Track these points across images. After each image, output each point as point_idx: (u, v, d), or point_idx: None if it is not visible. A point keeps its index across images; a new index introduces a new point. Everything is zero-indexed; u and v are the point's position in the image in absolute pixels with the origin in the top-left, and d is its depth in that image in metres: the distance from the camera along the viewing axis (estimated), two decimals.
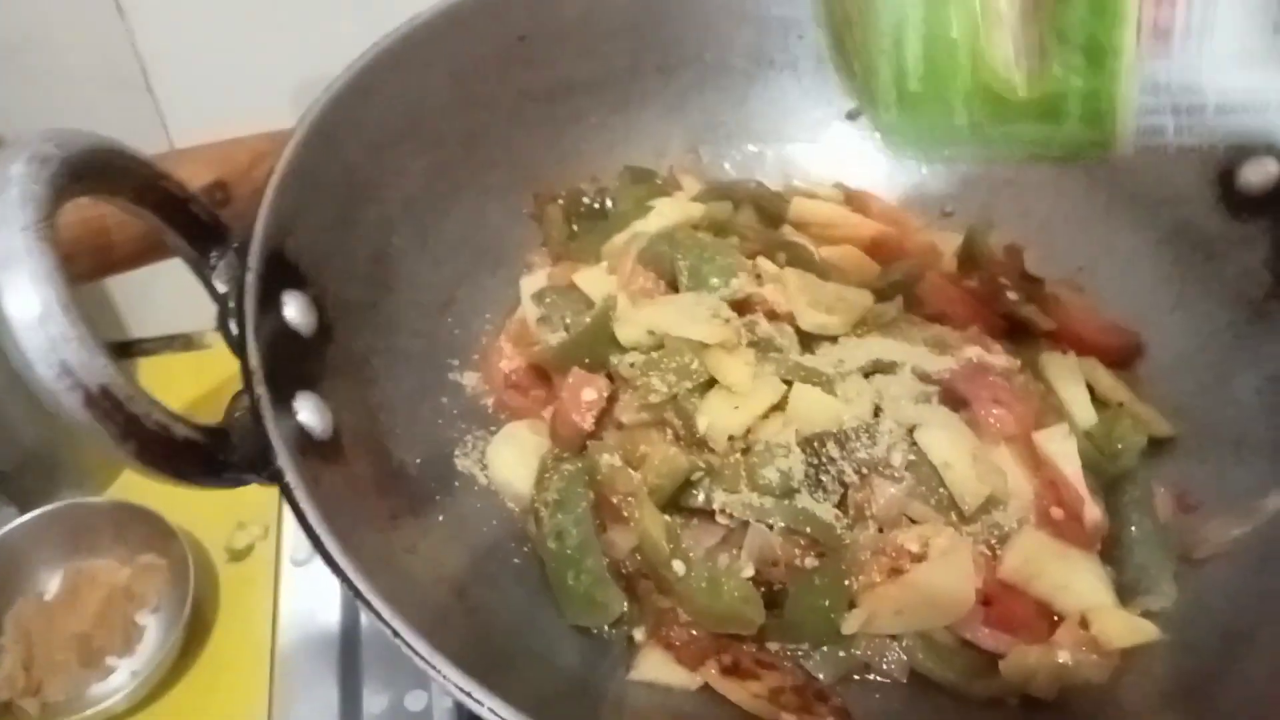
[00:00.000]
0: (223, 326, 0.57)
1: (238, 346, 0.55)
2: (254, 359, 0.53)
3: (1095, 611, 0.61)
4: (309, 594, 0.75)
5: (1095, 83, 0.53)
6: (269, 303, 0.57)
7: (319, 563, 0.77)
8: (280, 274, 0.59)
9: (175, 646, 0.99)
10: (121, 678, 1.00)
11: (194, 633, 1.04)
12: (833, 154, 0.89)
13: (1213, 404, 0.73)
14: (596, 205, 0.82)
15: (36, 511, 1.01)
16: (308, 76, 0.96)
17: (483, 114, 0.77)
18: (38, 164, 0.45)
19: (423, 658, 0.45)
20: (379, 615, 0.47)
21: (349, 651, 0.73)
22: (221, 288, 0.58)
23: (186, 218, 0.56)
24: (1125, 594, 0.64)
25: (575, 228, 0.81)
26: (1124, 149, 0.54)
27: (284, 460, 0.49)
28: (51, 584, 1.03)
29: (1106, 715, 0.59)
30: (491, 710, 0.44)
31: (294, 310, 0.59)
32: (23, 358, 0.42)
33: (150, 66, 0.95)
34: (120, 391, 0.44)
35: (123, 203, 0.53)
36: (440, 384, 0.70)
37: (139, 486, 1.13)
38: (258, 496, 1.09)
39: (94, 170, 0.49)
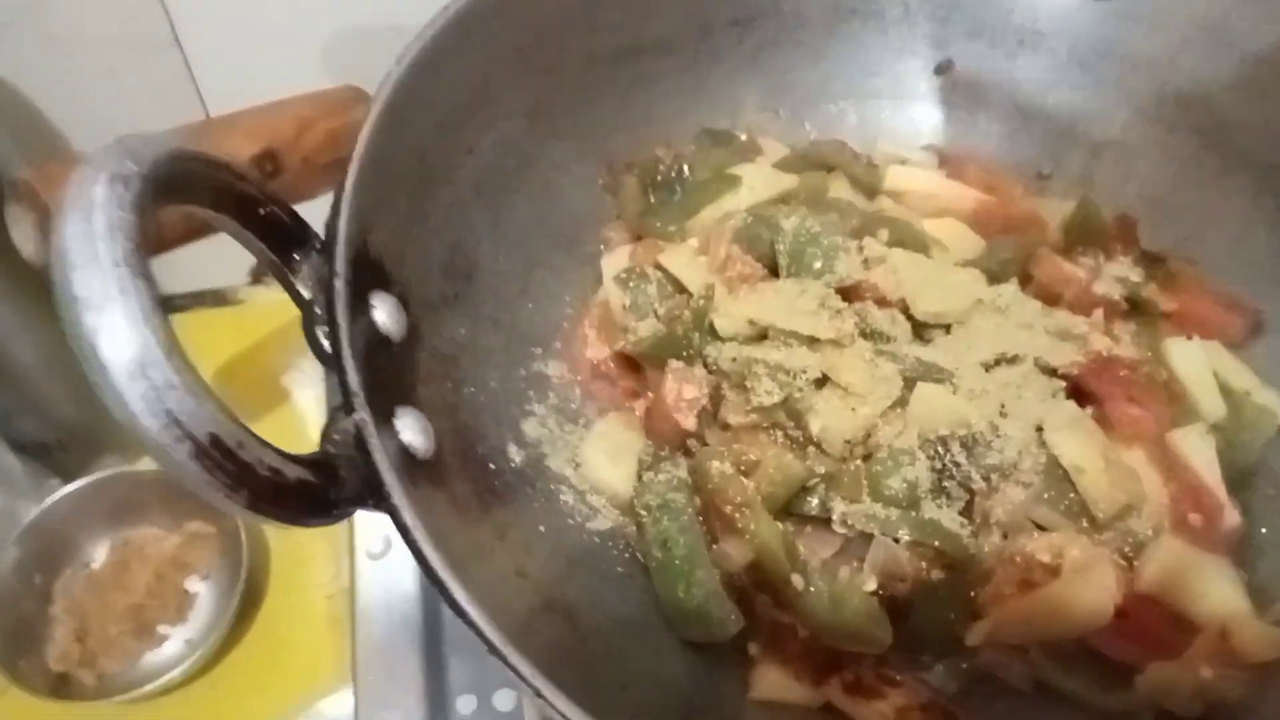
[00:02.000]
0: (309, 335, 0.53)
1: (332, 362, 0.50)
2: (353, 377, 0.48)
3: (1234, 623, 0.58)
4: (387, 589, 0.72)
5: None
6: (359, 308, 0.52)
7: (395, 555, 0.75)
8: (366, 274, 0.54)
9: (232, 614, 0.98)
10: (175, 646, 0.99)
11: (247, 599, 1.02)
12: (921, 111, 0.83)
13: None
14: (674, 173, 0.77)
15: (80, 482, 0.99)
16: (339, 29, 0.90)
17: (548, 83, 0.71)
18: (120, 185, 0.40)
19: (548, 700, 0.42)
20: (503, 658, 0.44)
21: (432, 651, 0.70)
22: (307, 293, 0.53)
23: (267, 220, 0.51)
24: (1259, 599, 0.61)
25: (652, 198, 0.76)
26: None
27: (398, 495, 0.45)
28: (99, 554, 1.02)
29: None
30: None
31: (384, 314, 0.54)
32: (125, 408, 0.37)
33: (179, 23, 0.89)
34: (231, 439, 0.39)
35: (203, 210, 0.48)
36: (526, 378, 0.66)
37: None
38: None
39: (175, 182, 0.44)
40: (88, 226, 0.38)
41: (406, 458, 0.49)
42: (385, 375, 0.52)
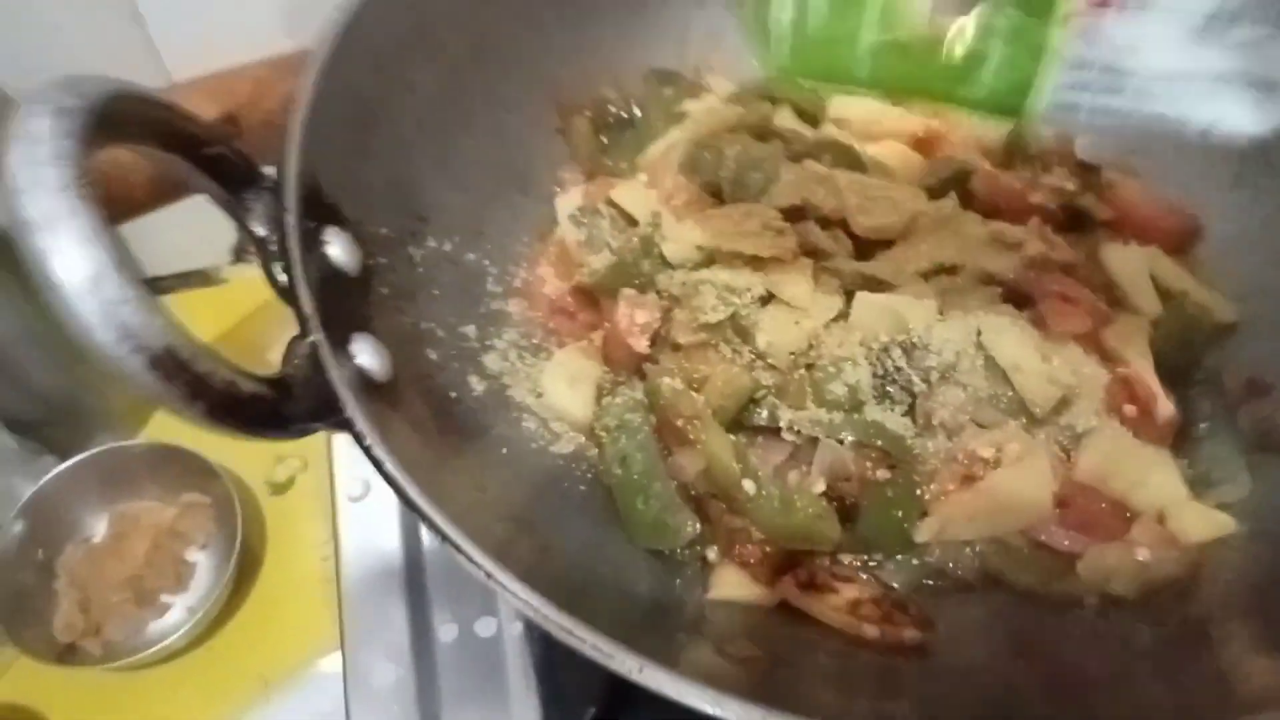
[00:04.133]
0: (267, 271, 0.55)
1: (287, 292, 0.53)
2: (307, 303, 0.51)
3: (1171, 507, 0.61)
4: (368, 528, 0.75)
5: (1018, 52, 0.49)
6: (312, 242, 0.55)
7: (374, 498, 0.78)
8: (319, 211, 0.56)
9: (229, 581, 1.00)
10: (178, 614, 1.02)
11: (244, 566, 1.05)
12: None
13: (1276, 281, 0.70)
14: (624, 114, 0.79)
15: (76, 458, 1.01)
16: None
17: (490, 16, 0.72)
18: (64, 118, 0.42)
19: (518, 596, 0.44)
20: (469, 558, 0.46)
21: (414, 582, 0.72)
22: (261, 231, 0.55)
23: (215, 160, 0.53)
24: (1198, 487, 0.63)
25: (605, 140, 0.78)
26: (1030, 119, 0.49)
27: (352, 407, 0.48)
28: (98, 529, 1.04)
29: (1186, 610, 0.58)
30: (576, 635, 0.43)
31: (338, 249, 0.56)
32: (79, 324, 0.40)
33: None
34: (184, 351, 0.42)
35: (150, 149, 0.50)
36: (485, 315, 0.68)
37: (173, 428, 1.13)
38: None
39: (119, 118, 0.46)
40: (32, 154, 0.40)
41: (363, 379, 0.52)
42: (341, 306, 0.54)
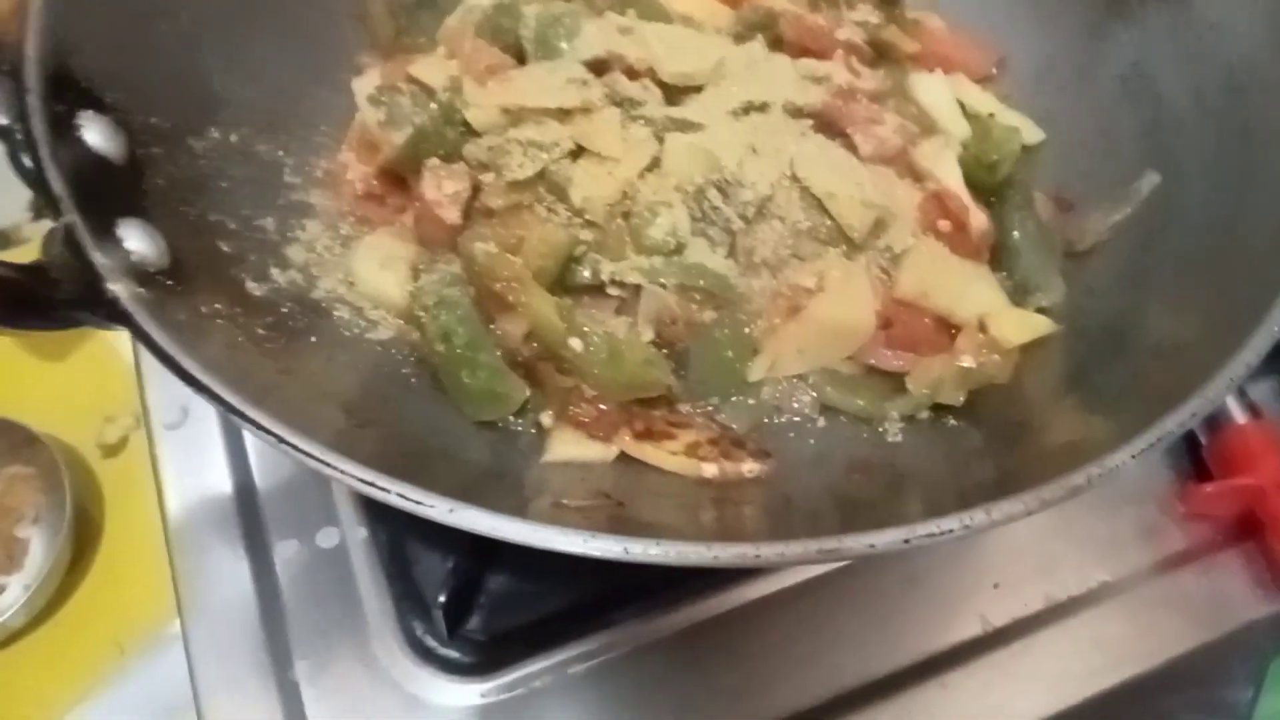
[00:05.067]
0: (14, 162, 0.50)
1: (35, 177, 0.48)
2: (57, 184, 0.46)
3: (992, 314, 0.62)
4: (190, 456, 0.70)
5: None
6: (63, 128, 0.50)
7: (193, 422, 0.73)
8: (69, 95, 0.51)
9: (65, 553, 0.95)
10: (14, 593, 0.96)
11: (83, 535, 0.99)
12: None
13: (1078, 102, 0.73)
14: None
15: None
16: None
17: None
18: None
19: (335, 467, 0.42)
20: (273, 434, 0.43)
21: (246, 507, 0.68)
22: (3, 119, 0.50)
23: None
24: (1017, 296, 0.65)
25: (402, 20, 0.74)
26: None
27: (117, 286, 0.44)
28: None
29: (1012, 410, 0.60)
30: (410, 499, 0.41)
31: (96, 134, 0.51)
32: None
33: None
34: None
35: None
36: (285, 207, 0.64)
37: None
38: (122, 386, 1.05)
39: None
40: None
41: (132, 264, 0.48)
42: (105, 192, 0.50)
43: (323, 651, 0.63)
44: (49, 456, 0.98)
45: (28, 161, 0.49)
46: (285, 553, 0.66)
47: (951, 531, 0.41)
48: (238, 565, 0.66)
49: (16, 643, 0.95)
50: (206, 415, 0.71)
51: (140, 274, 0.48)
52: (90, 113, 0.52)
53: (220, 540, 0.67)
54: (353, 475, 0.41)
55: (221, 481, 0.70)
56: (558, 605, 0.66)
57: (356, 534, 0.67)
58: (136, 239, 0.49)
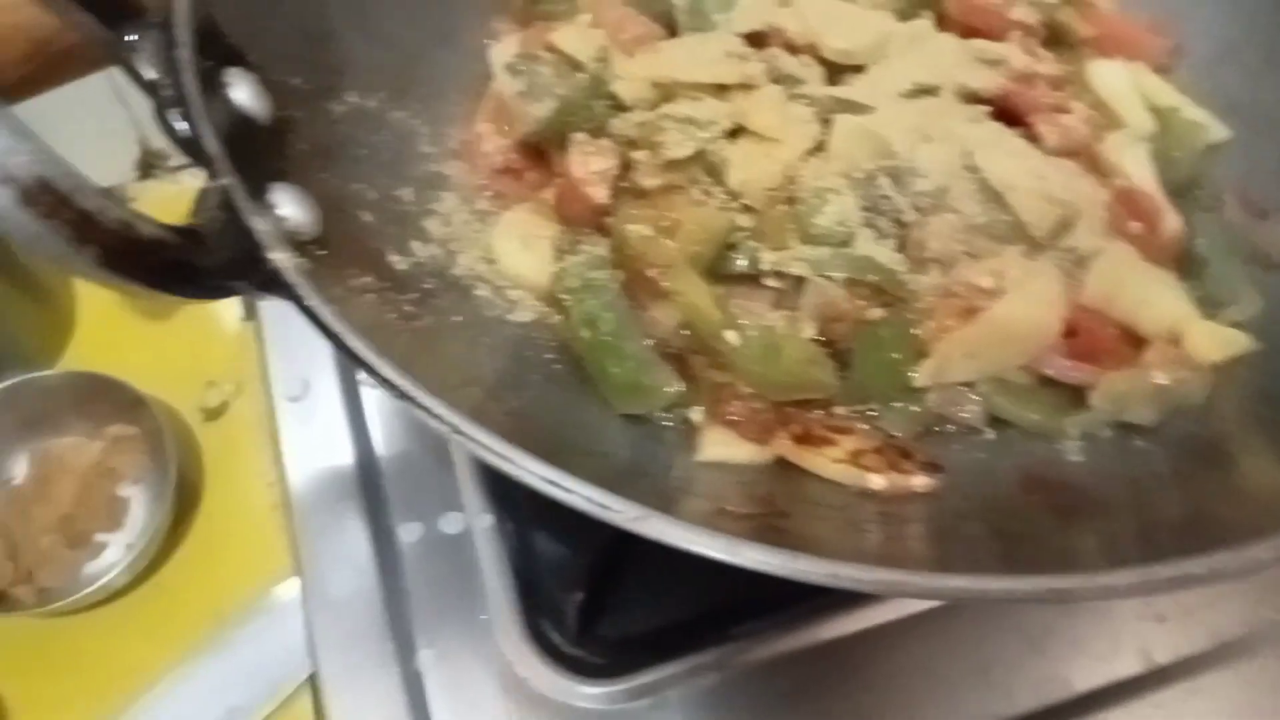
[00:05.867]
0: (162, 120, 0.47)
1: (188, 139, 0.45)
2: (212, 143, 0.43)
3: (1184, 327, 0.56)
4: (312, 429, 0.68)
5: None
6: (213, 84, 0.47)
7: (315, 396, 0.71)
8: (216, 50, 0.48)
9: (168, 515, 0.94)
10: (115, 553, 0.96)
11: (184, 497, 0.99)
12: None
13: (1265, 93, 0.66)
14: None
15: None
16: None
17: None
18: None
19: (490, 449, 0.38)
20: (430, 411, 0.40)
21: (369, 486, 0.66)
22: (151, 73, 0.47)
23: None
24: (1206, 308, 0.59)
25: None
26: None
27: (277, 254, 0.41)
28: (17, 469, 0.97)
29: (1204, 434, 0.55)
30: (563, 486, 0.38)
31: (243, 92, 0.49)
32: None
33: None
34: (64, 183, 0.35)
35: None
36: (422, 178, 0.61)
37: (92, 357, 1.05)
38: (225, 352, 1.04)
39: None
40: None
41: (286, 231, 0.45)
42: (254, 154, 0.47)
43: (446, 642, 0.61)
44: (153, 418, 0.97)
45: (176, 121, 0.46)
46: (409, 536, 0.64)
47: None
48: (361, 547, 0.64)
49: (114, 602, 0.95)
50: (328, 389, 0.69)
51: (294, 242, 0.45)
52: (238, 70, 0.49)
53: (342, 519, 0.65)
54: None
55: (344, 457, 0.68)
56: (685, 611, 0.63)
57: (481, 521, 0.64)
58: (290, 204, 0.46)
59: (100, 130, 1.07)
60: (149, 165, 1.11)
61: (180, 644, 0.94)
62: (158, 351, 1.08)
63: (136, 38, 0.47)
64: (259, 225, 0.42)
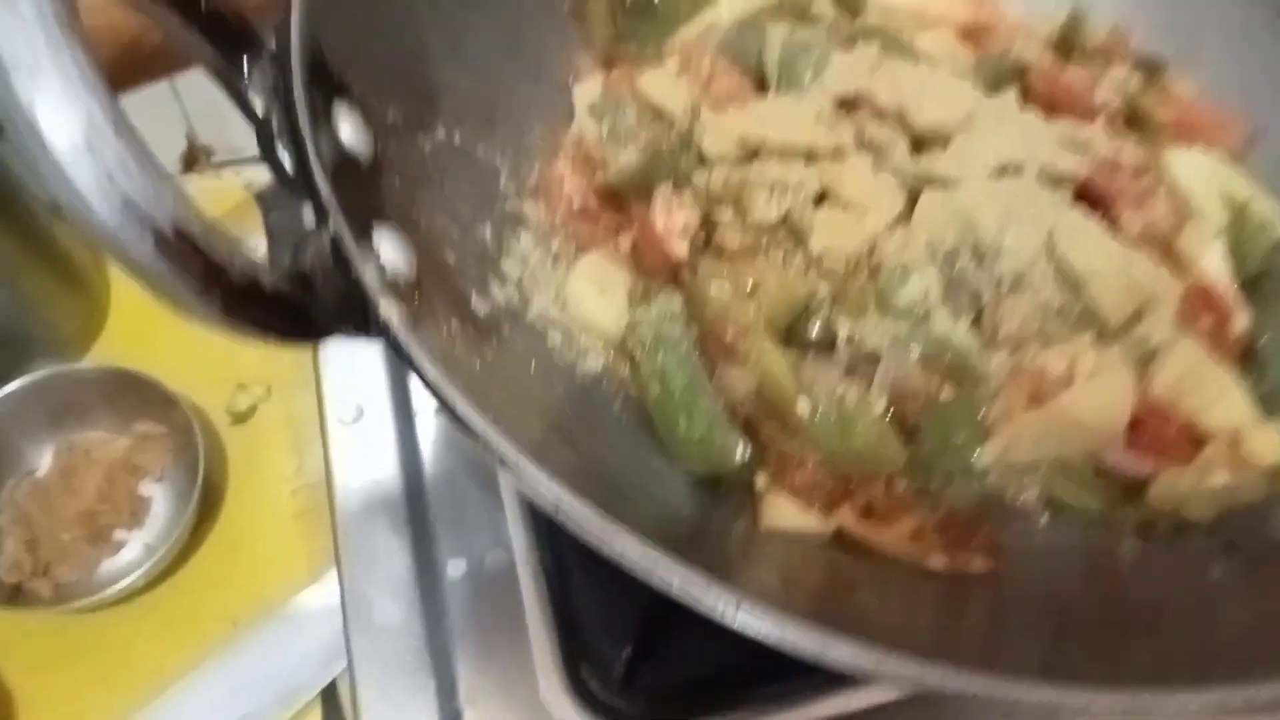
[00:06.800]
0: (268, 153, 0.47)
1: (295, 174, 0.45)
2: (323, 185, 0.43)
3: (1245, 428, 0.57)
4: (362, 455, 0.68)
5: None
6: (321, 119, 0.47)
7: (368, 421, 0.71)
8: (324, 83, 0.48)
9: (191, 515, 0.94)
10: (134, 552, 0.95)
11: (206, 500, 0.98)
12: None
13: None
14: None
15: (16, 384, 0.93)
16: None
17: None
18: None
19: (571, 513, 0.38)
20: (529, 477, 0.40)
21: (417, 514, 0.66)
22: (261, 106, 0.47)
23: (212, 20, 0.46)
24: (1266, 406, 0.59)
25: (621, 23, 0.70)
26: None
27: (388, 306, 0.41)
28: (42, 461, 0.97)
29: (1261, 537, 0.55)
30: (661, 572, 0.38)
31: (348, 129, 0.49)
32: (74, 194, 0.32)
33: None
34: (196, 231, 0.35)
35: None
36: (501, 215, 0.61)
37: (123, 348, 1.04)
38: (254, 356, 1.03)
39: None
40: None
41: (388, 278, 0.45)
42: (356, 197, 0.47)
43: (488, 683, 0.61)
44: (183, 417, 0.97)
45: (286, 158, 0.46)
46: (454, 571, 0.64)
47: None
48: (406, 577, 0.64)
49: (130, 601, 0.95)
50: (382, 415, 0.69)
51: (394, 287, 0.45)
52: (344, 104, 0.49)
53: (387, 547, 0.65)
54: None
55: (393, 485, 0.67)
56: (727, 662, 0.63)
57: (527, 561, 0.64)
58: (389, 248, 0.46)
59: (148, 123, 1.06)
60: (193, 160, 1.11)
61: (194, 648, 0.93)
62: (189, 349, 1.07)
63: (249, 66, 0.48)
64: (366, 273, 0.42)
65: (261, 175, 1.12)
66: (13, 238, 0.94)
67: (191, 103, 1.08)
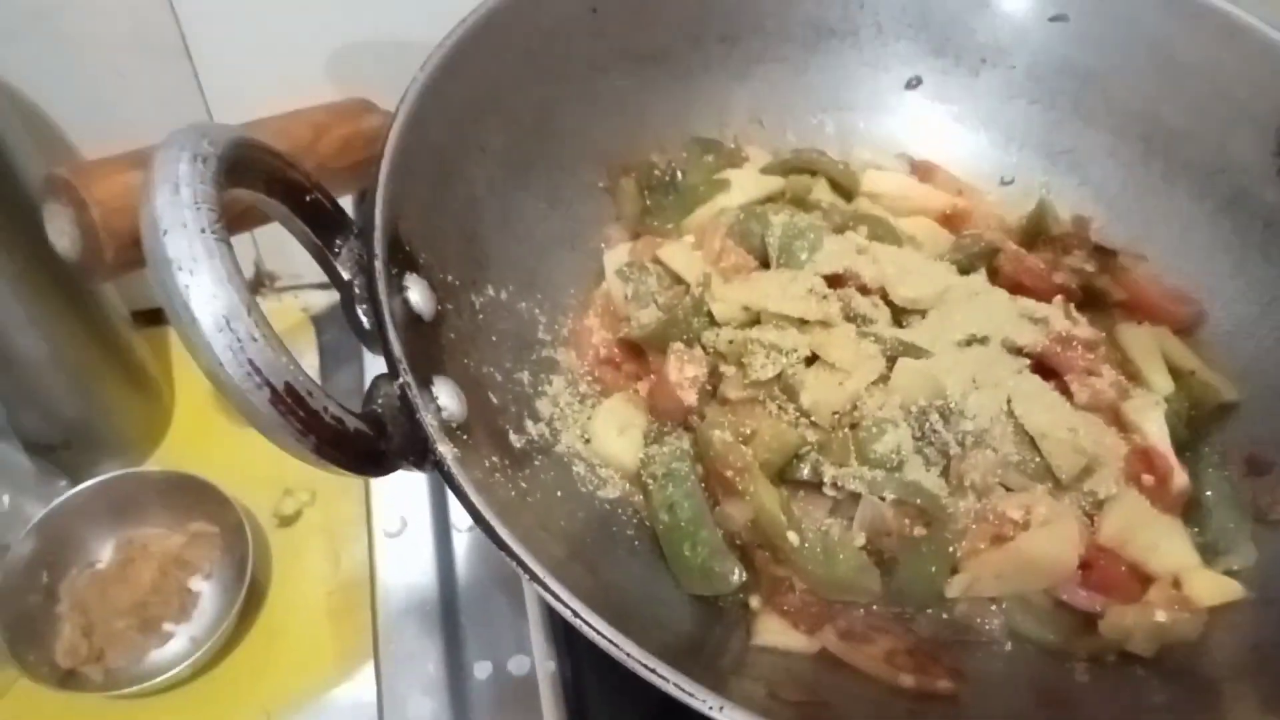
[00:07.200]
0: (349, 313, 0.58)
1: (372, 334, 0.55)
2: (397, 346, 0.53)
3: (1186, 572, 0.64)
4: (404, 564, 0.76)
5: None
6: (395, 288, 0.57)
7: (411, 534, 0.79)
8: (399, 257, 0.59)
9: (237, 611, 1.00)
10: (180, 644, 1.01)
11: (249, 598, 1.04)
12: (893, 123, 0.90)
13: (1275, 365, 0.76)
14: (667, 177, 0.83)
15: (88, 483, 1.01)
16: (343, 43, 0.95)
17: (553, 88, 0.77)
18: (200, 163, 0.45)
19: (586, 623, 0.46)
20: (551, 591, 0.48)
21: (449, 619, 0.74)
22: (346, 275, 0.58)
23: (312, 206, 0.56)
24: (1207, 554, 0.67)
25: (648, 200, 0.82)
26: None
27: (443, 447, 0.50)
28: (103, 554, 1.03)
29: (1197, 669, 0.62)
30: (659, 674, 0.46)
31: (416, 294, 0.59)
32: (212, 359, 0.42)
33: (189, 30, 0.93)
34: (302, 388, 0.44)
35: (261, 195, 0.53)
36: (537, 361, 0.71)
37: (183, 450, 1.13)
38: (301, 464, 1.12)
39: (242, 164, 0.49)
40: (176, 197, 0.43)
41: (444, 422, 0.54)
42: (419, 350, 0.57)
43: None
44: (236, 518, 1.04)
45: (365, 318, 0.57)
46: (481, 673, 0.71)
47: None
48: (437, 677, 0.71)
49: (173, 690, 1.01)
50: (423, 528, 0.78)
51: (449, 429, 0.54)
52: (414, 275, 0.60)
53: (423, 651, 0.72)
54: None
55: (430, 592, 0.76)
56: None
57: (546, 666, 0.71)
58: (446, 395, 0.55)
59: None
60: (259, 284, 1.22)
61: None
62: (242, 453, 1.16)
63: (338, 243, 0.58)
64: (428, 418, 0.52)
65: (317, 299, 1.23)
66: (94, 348, 1.04)
67: (260, 234, 1.20)
